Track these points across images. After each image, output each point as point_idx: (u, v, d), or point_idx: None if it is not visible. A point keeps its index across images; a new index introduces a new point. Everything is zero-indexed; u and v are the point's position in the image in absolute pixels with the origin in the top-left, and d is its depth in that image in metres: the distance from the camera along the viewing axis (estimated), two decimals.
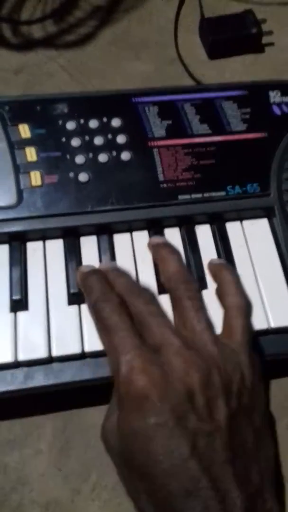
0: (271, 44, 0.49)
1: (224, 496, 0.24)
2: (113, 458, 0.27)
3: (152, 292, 0.30)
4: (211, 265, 0.32)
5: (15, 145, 0.35)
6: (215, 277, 0.31)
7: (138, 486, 0.25)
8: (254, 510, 0.24)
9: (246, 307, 0.29)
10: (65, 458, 0.31)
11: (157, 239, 0.33)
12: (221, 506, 0.23)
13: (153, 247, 0.33)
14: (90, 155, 0.35)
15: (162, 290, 0.32)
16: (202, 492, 0.23)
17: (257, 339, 0.31)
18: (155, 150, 0.36)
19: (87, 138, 0.36)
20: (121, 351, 0.26)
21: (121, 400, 0.26)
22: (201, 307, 0.28)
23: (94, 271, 0.31)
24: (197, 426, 0.24)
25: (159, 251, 0.32)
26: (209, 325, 0.28)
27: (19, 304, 0.31)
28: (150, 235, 0.35)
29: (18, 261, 0.33)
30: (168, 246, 0.32)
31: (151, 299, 0.29)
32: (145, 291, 0.30)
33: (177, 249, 0.33)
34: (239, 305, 0.29)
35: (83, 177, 0.35)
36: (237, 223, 0.35)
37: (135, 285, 0.31)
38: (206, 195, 0.35)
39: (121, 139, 0.36)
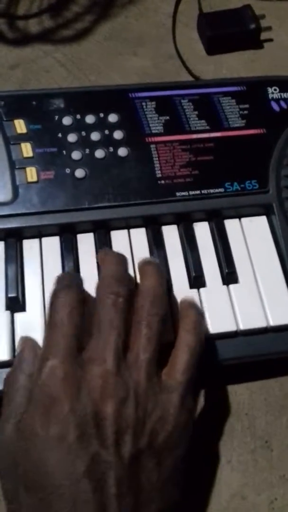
0: (270, 40, 0.48)
1: None
2: (6, 463, 0.25)
3: (130, 294, 0.28)
4: (182, 302, 0.30)
5: (11, 141, 0.35)
6: (181, 312, 0.30)
7: (20, 499, 0.24)
8: None
9: (195, 348, 0.27)
10: None
11: (149, 259, 0.31)
12: None
13: (141, 263, 0.31)
14: (87, 151, 0.35)
15: None
16: None
17: (256, 338, 0.31)
18: (153, 146, 0.36)
19: (83, 133, 0.36)
20: (52, 352, 0.25)
21: (30, 400, 0.25)
22: (154, 337, 0.26)
23: (72, 273, 0.29)
24: (97, 451, 0.23)
25: (145, 266, 0.30)
26: (153, 358, 0.26)
27: (15, 301, 0.31)
28: (148, 232, 0.34)
29: (14, 258, 0.32)
30: (157, 265, 0.30)
31: (123, 303, 0.27)
32: (123, 291, 0.27)
33: (163, 270, 0.31)
34: (188, 343, 0.27)
35: (79, 173, 0.34)
36: (236, 220, 0.35)
37: (119, 276, 0.28)
38: (204, 191, 0.35)
39: (118, 134, 0.36)
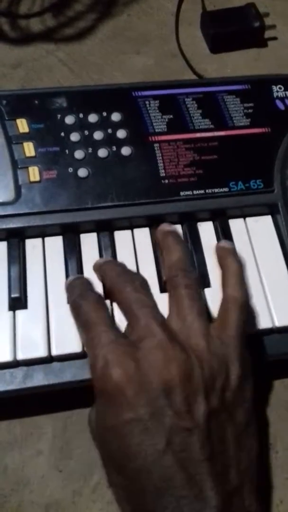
0: (274, 38, 0.48)
1: (198, 495, 0.23)
2: (97, 449, 0.27)
3: (145, 280, 0.29)
4: (219, 247, 0.31)
5: (13, 140, 0.34)
6: (220, 262, 0.31)
7: (115, 480, 0.25)
8: (230, 509, 0.24)
9: (243, 302, 0.28)
10: (65, 459, 0.31)
11: (166, 227, 0.32)
12: (194, 505, 0.23)
13: (161, 234, 0.32)
14: (90, 150, 0.35)
15: (164, 288, 0.31)
16: (176, 491, 0.23)
17: (261, 339, 0.31)
18: (156, 145, 0.35)
19: (86, 132, 0.35)
20: (96, 346, 0.26)
21: (97, 396, 0.25)
22: (196, 297, 0.27)
23: (78, 277, 0.31)
24: (174, 422, 0.24)
25: (166, 238, 0.31)
26: (202, 315, 0.27)
27: (18, 302, 0.31)
28: (152, 232, 0.34)
29: (17, 258, 0.32)
30: (176, 235, 0.31)
31: (141, 287, 0.28)
32: (137, 278, 0.29)
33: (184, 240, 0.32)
34: (236, 298, 0.28)
35: (82, 172, 0.34)
36: (240, 220, 0.35)
37: (126, 273, 0.29)
38: (209, 191, 0.34)
39: (121, 133, 0.35)
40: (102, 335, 0.26)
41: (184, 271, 0.28)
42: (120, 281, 0.28)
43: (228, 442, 0.25)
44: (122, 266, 0.31)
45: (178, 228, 0.34)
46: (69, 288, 0.30)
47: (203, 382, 0.25)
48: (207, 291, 0.32)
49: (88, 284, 0.30)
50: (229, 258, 0.30)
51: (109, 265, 0.31)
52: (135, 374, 0.24)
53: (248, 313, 0.29)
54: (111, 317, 0.28)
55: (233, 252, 0.31)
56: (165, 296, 0.30)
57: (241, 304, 0.28)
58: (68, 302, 0.30)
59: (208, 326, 0.27)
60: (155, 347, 0.25)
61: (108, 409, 0.25)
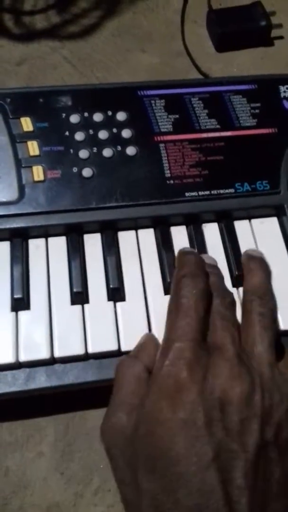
0: (281, 37, 0.48)
1: None
2: (115, 459, 0.25)
3: (233, 299, 0.29)
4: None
5: (17, 139, 0.34)
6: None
7: (145, 485, 0.23)
8: None
9: None
10: (67, 461, 0.30)
11: (254, 252, 0.32)
12: None
13: (246, 258, 0.32)
14: (94, 149, 0.34)
15: (167, 290, 0.31)
16: (212, 509, 0.22)
17: None
18: (162, 145, 0.35)
19: (91, 132, 0.35)
20: (179, 336, 0.25)
21: (155, 383, 0.25)
22: (269, 327, 0.27)
23: (192, 252, 0.31)
24: (223, 439, 0.23)
25: (251, 261, 0.31)
26: (271, 347, 0.26)
27: (20, 302, 0.30)
28: (156, 233, 0.34)
29: (20, 259, 0.32)
30: (262, 260, 0.31)
31: (230, 304, 0.28)
32: (228, 294, 0.29)
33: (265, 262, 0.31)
34: None
35: (87, 172, 0.34)
36: (246, 221, 0.34)
37: (223, 285, 0.30)
38: (214, 192, 0.34)
39: (126, 133, 0.35)
40: (189, 328, 0.26)
41: (261, 298, 0.28)
42: (218, 292, 0.28)
43: (271, 482, 0.23)
44: (219, 276, 0.30)
45: (183, 229, 0.34)
46: (181, 260, 0.29)
47: (261, 410, 0.24)
48: None
49: (201, 266, 0.29)
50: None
51: (212, 269, 0.30)
52: (202, 380, 0.24)
53: None
54: (206, 314, 0.27)
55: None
56: (168, 297, 0.29)
57: None
58: (174, 275, 0.29)
59: (275, 359, 0.26)
60: (225, 360, 0.25)
61: (163, 401, 0.24)
